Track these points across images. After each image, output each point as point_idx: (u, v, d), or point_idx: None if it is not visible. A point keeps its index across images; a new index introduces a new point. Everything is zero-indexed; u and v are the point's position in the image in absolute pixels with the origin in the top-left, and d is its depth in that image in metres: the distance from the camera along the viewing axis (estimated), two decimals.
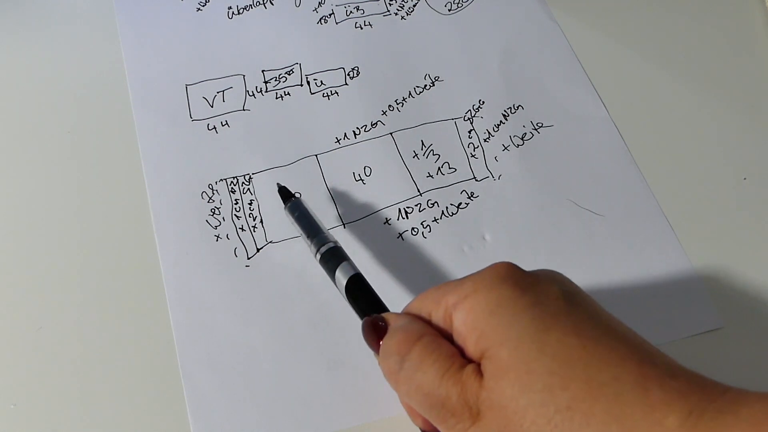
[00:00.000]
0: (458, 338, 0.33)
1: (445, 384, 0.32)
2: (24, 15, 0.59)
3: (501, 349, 0.31)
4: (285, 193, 0.47)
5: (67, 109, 0.54)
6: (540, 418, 0.29)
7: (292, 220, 0.45)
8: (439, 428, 0.33)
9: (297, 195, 0.48)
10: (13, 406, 0.42)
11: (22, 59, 0.57)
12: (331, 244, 0.42)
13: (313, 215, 0.45)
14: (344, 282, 0.40)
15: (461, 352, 0.33)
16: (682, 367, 0.30)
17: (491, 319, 0.32)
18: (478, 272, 0.34)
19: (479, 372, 0.31)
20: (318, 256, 0.42)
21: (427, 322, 0.35)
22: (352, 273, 0.40)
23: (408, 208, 0.50)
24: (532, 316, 0.31)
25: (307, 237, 0.44)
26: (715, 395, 0.28)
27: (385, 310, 0.38)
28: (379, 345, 0.35)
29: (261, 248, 0.48)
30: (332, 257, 0.41)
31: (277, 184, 0.47)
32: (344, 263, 0.41)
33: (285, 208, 0.46)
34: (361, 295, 0.39)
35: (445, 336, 0.34)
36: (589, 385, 0.29)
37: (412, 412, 0.37)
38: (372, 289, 0.40)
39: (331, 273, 0.41)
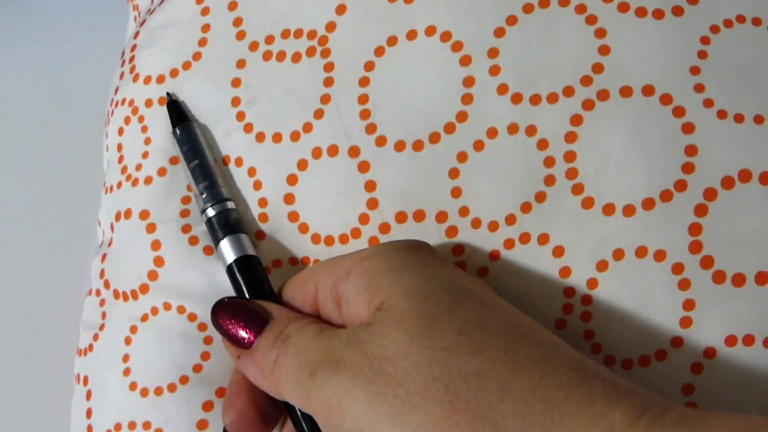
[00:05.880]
0: (346, 310, 0.27)
1: (321, 334, 0.27)
2: (26, 14, 0.56)
3: (401, 299, 0.25)
4: (178, 113, 0.34)
5: (69, 109, 0.53)
6: (436, 383, 0.23)
7: (180, 154, 0.34)
8: None
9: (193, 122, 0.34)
10: (14, 405, 0.45)
11: (23, 58, 0.55)
12: (227, 205, 0.32)
13: (209, 156, 0.33)
14: (229, 260, 0.31)
15: None
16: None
17: (391, 275, 0.26)
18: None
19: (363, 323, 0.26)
20: (204, 215, 0.32)
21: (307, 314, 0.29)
22: (241, 254, 0.31)
23: None
24: (448, 278, 0.26)
25: (197, 183, 0.33)
26: (670, 404, 0.23)
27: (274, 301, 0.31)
28: (255, 338, 0.28)
29: None
30: (225, 223, 0.32)
31: (168, 94, 0.35)
32: (236, 236, 0.32)
33: (174, 133, 0.34)
34: (248, 279, 0.31)
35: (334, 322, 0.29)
36: (509, 357, 0.23)
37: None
38: (264, 275, 0.31)
39: (215, 242, 0.32)
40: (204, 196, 0.32)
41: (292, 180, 0.32)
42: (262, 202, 0.33)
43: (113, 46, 0.51)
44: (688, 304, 0.29)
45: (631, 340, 0.29)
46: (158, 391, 0.33)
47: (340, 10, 0.33)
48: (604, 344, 0.29)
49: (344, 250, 0.31)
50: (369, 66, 0.32)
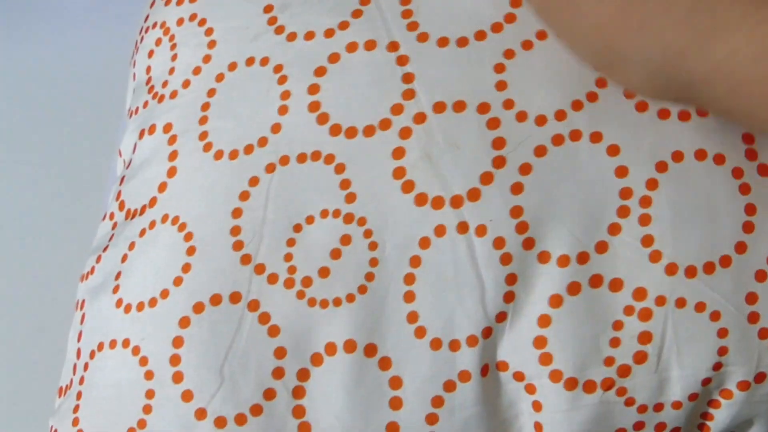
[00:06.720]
0: None
1: None
2: (27, 12, 0.57)
3: None
4: None
5: (72, 108, 0.53)
6: None
7: None
8: None
9: None
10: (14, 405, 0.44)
11: (24, 56, 0.55)
12: None
13: None
14: None
15: None
16: None
17: None
18: None
19: None
20: None
21: None
22: None
23: None
24: None
25: None
26: None
27: None
28: None
29: None
30: None
31: None
32: None
33: None
34: None
35: None
36: None
37: None
38: None
39: None
40: None
41: (320, 72, 0.30)
42: (285, 95, 0.31)
43: (117, 36, 0.52)
44: (750, 209, 0.28)
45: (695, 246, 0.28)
46: (140, 307, 0.30)
47: None
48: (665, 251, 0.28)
49: (367, 143, 0.29)
50: None
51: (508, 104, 0.29)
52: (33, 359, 0.45)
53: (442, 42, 0.30)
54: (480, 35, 0.30)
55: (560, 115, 0.29)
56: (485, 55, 0.30)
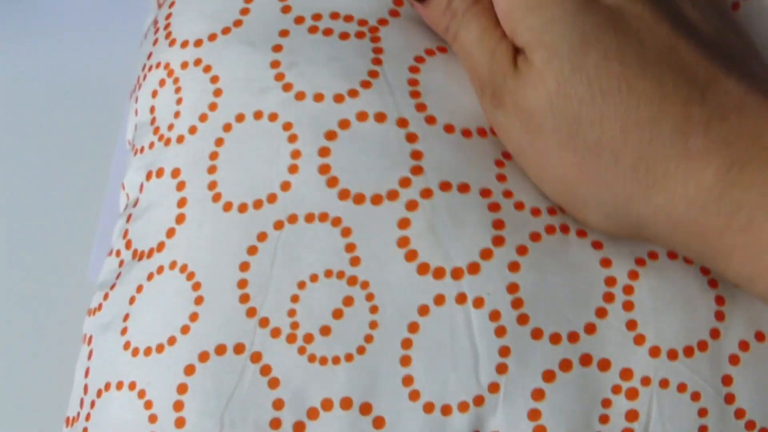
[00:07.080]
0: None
1: (482, 47, 0.30)
2: (27, 12, 0.56)
3: (535, 54, 0.28)
4: None
5: (71, 109, 0.52)
6: (566, 148, 0.28)
7: None
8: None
9: None
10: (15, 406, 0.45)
11: (24, 56, 0.54)
12: None
13: None
14: None
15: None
16: (748, 105, 0.27)
17: (530, 15, 0.28)
18: None
19: (515, 57, 0.29)
20: None
21: None
22: None
23: None
24: (574, 24, 0.28)
25: None
26: None
27: None
28: None
29: None
30: None
31: None
32: None
33: None
34: None
35: None
36: (622, 124, 0.27)
37: None
38: None
39: None
40: None
41: (330, 135, 0.31)
42: (295, 154, 0.32)
43: (118, 40, 0.52)
44: (719, 300, 0.31)
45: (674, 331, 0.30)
46: (147, 352, 0.31)
47: (393, 13, 0.34)
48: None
49: (374, 211, 0.31)
50: (419, 59, 0.33)
51: (507, 194, 0.31)
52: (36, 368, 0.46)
53: (449, 128, 0.32)
54: (481, 132, 0.32)
55: (552, 211, 0.31)
56: (487, 150, 0.32)
